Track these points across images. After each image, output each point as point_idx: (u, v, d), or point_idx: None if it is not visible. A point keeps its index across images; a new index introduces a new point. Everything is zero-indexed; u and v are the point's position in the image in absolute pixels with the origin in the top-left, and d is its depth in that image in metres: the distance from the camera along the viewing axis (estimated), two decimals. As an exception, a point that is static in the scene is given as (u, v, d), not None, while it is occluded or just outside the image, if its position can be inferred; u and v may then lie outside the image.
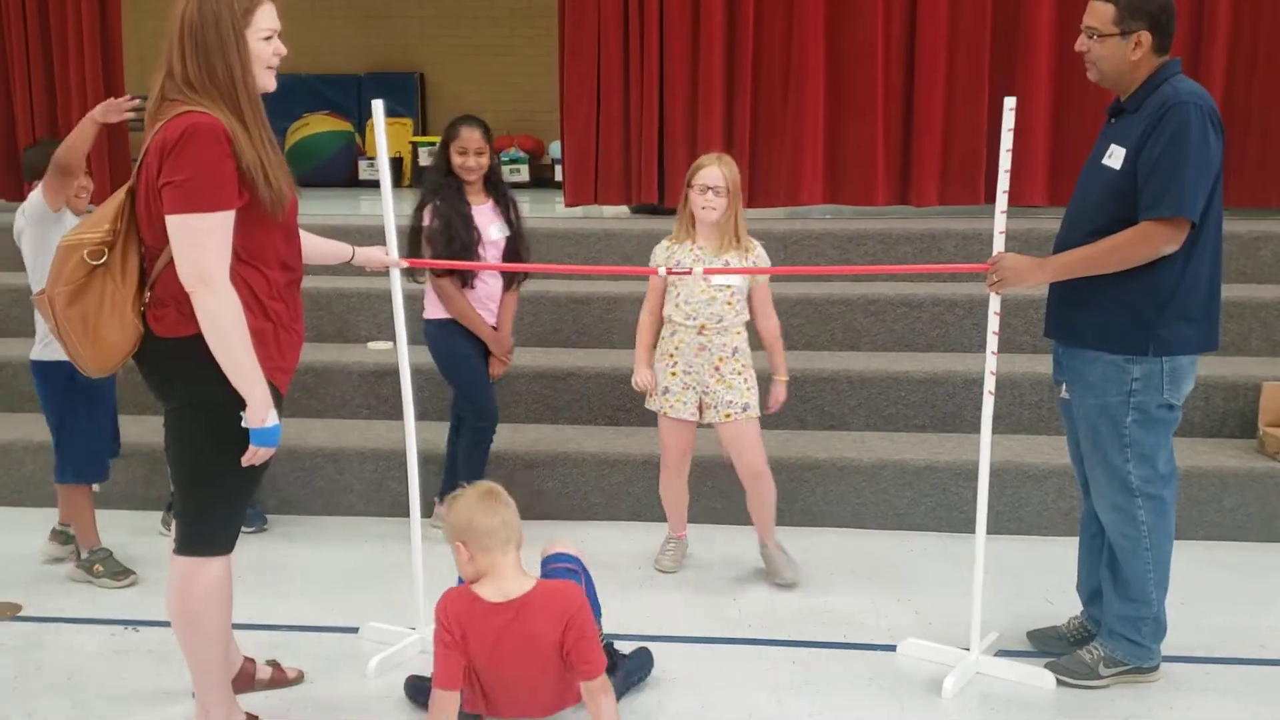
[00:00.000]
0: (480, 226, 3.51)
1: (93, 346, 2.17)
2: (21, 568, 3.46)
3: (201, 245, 2.08)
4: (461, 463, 3.67)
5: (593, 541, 3.66)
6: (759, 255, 3.28)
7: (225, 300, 2.10)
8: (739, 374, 3.26)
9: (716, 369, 3.24)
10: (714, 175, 3.19)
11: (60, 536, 3.51)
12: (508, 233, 3.59)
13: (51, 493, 4.04)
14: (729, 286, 3.20)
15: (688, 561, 3.55)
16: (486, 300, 3.61)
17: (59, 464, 3.38)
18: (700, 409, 3.29)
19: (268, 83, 2.23)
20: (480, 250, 3.49)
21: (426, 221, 3.48)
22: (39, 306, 2.22)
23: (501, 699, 2.35)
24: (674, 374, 3.28)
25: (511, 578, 2.32)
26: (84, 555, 3.37)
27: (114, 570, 3.35)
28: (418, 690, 2.61)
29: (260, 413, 2.15)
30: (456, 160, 3.49)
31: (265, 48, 2.20)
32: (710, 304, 3.21)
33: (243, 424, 2.15)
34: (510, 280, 3.66)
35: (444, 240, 3.43)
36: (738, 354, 3.26)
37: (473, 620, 2.27)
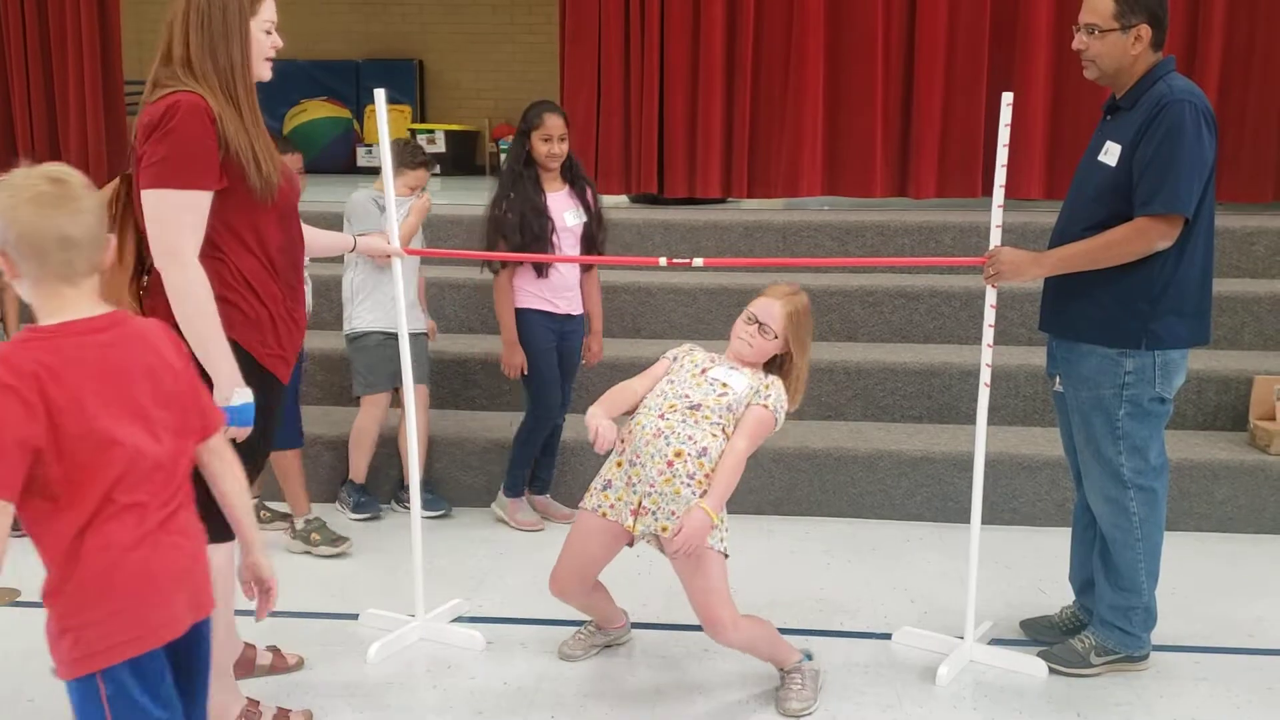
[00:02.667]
0: (555, 214, 3.48)
1: None
2: (16, 553, 3.46)
3: (175, 222, 2.08)
4: (515, 442, 3.71)
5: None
6: (768, 390, 2.51)
7: (194, 277, 2.08)
8: (693, 481, 2.41)
9: (670, 465, 2.41)
10: (764, 307, 2.55)
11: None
12: (584, 218, 3.57)
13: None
14: (725, 385, 2.49)
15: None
16: (562, 290, 3.56)
17: None
18: (636, 515, 2.46)
19: (264, 73, 2.26)
20: (555, 239, 3.46)
21: (501, 214, 3.46)
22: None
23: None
24: (619, 464, 2.51)
25: (91, 309, 1.57)
26: (299, 526, 3.49)
27: (330, 538, 3.46)
28: None
29: (224, 391, 2.11)
30: (541, 148, 3.46)
31: (265, 40, 2.23)
32: (696, 388, 2.50)
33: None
34: (586, 266, 3.62)
35: (516, 232, 3.41)
36: (704, 458, 2.42)
37: (59, 353, 1.50)
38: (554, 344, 3.59)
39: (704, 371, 2.56)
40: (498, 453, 3.93)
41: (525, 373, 3.56)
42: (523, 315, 3.54)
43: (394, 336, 3.56)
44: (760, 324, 2.55)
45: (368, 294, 3.69)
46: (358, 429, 3.80)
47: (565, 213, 3.53)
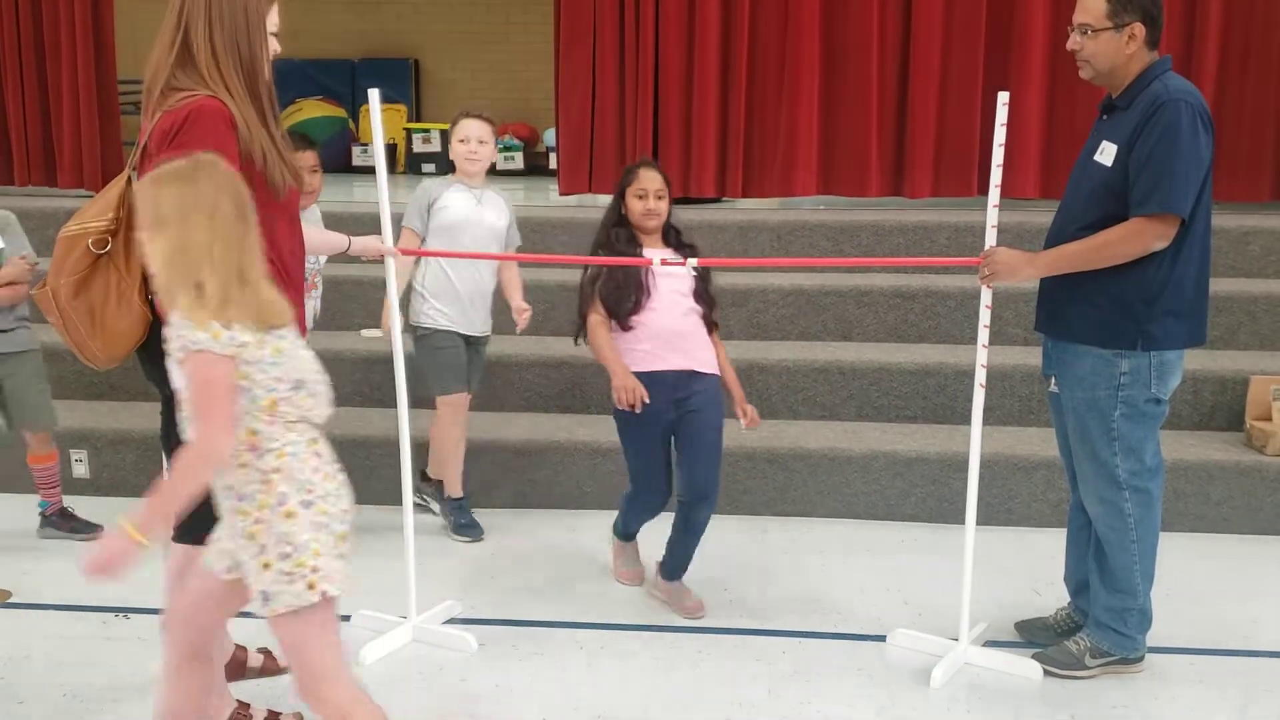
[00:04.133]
0: (656, 273, 3.04)
1: (101, 337, 2.16)
2: (11, 554, 3.45)
3: None
4: (623, 496, 3.25)
5: (585, 530, 3.68)
6: (170, 340, 1.80)
7: None
8: (249, 537, 1.83)
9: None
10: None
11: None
12: (692, 276, 3.11)
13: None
14: None
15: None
16: (673, 340, 3.01)
17: None
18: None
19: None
20: (651, 286, 3.01)
21: (590, 276, 3.09)
22: (39, 301, 2.20)
23: None
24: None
25: None
26: None
27: None
28: None
29: None
30: (636, 206, 3.08)
31: (271, 43, 2.25)
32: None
33: None
34: (709, 320, 3.11)
35: (613, 293, 3.00)
36: (244, 504, 1.83)
37: None
38: (668, 414, 2.99)
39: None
40: (489, 453, 3.92)
41: (634, 409, 2.90)
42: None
43: (462, 338, 3.55)
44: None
45: (439, 292, 3.53)
46: (438, 436, 3.62)
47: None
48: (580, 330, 3.10)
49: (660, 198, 3.10)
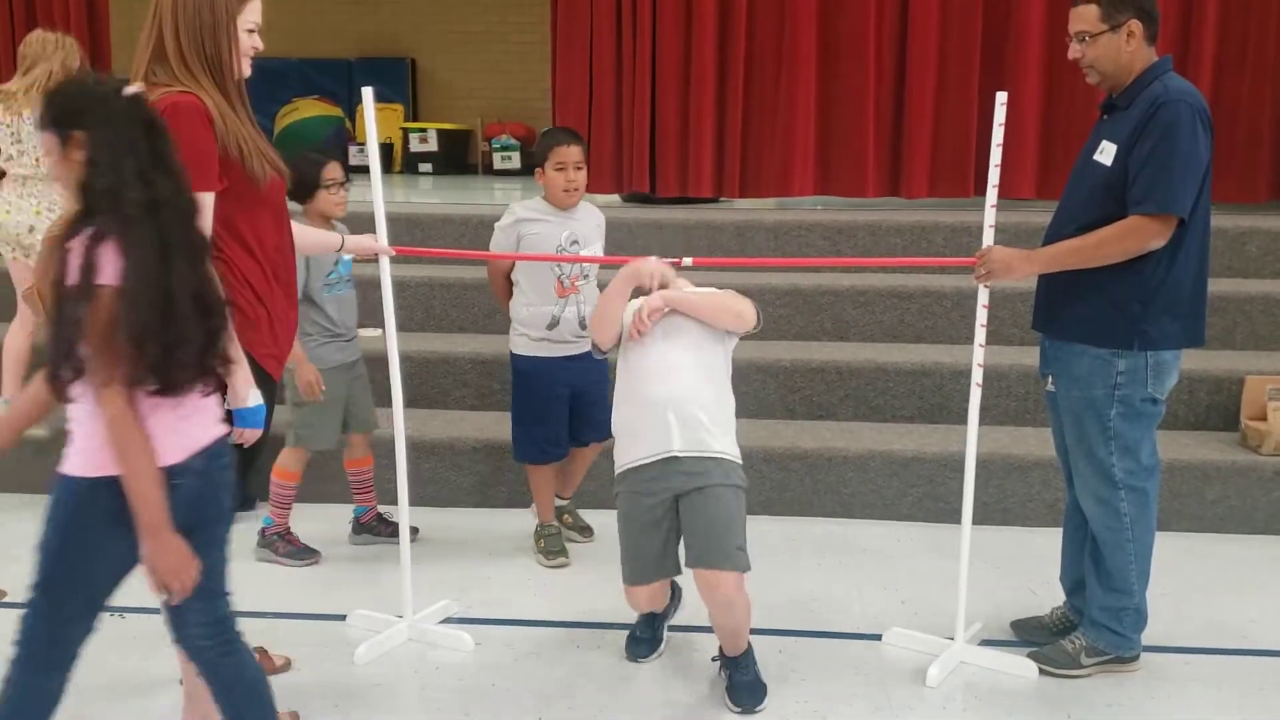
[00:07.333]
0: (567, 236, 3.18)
1: None
2: (4, 554, 3.44)
3: None
4: None
5: (594, 527, 3.68)
6: None
7: None
8: None
9: None
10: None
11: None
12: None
13: (30, 479, 4.03)
14: None
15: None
16: None
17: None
18: None
19: (244, 68, 2.27)
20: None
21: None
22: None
23: None
24: None
25: None
26: (536, 528, 3.51)
27: (552, 549, 3.45)
28: None
29: (241, 393, 2.14)
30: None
31: (247, 39, 2.24)
32: None
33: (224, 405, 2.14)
34: None
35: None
36: None
37: None
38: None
39: None
40: (486, 452, 3.92)
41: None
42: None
43: None
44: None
45: None
46: None
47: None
48: None
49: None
